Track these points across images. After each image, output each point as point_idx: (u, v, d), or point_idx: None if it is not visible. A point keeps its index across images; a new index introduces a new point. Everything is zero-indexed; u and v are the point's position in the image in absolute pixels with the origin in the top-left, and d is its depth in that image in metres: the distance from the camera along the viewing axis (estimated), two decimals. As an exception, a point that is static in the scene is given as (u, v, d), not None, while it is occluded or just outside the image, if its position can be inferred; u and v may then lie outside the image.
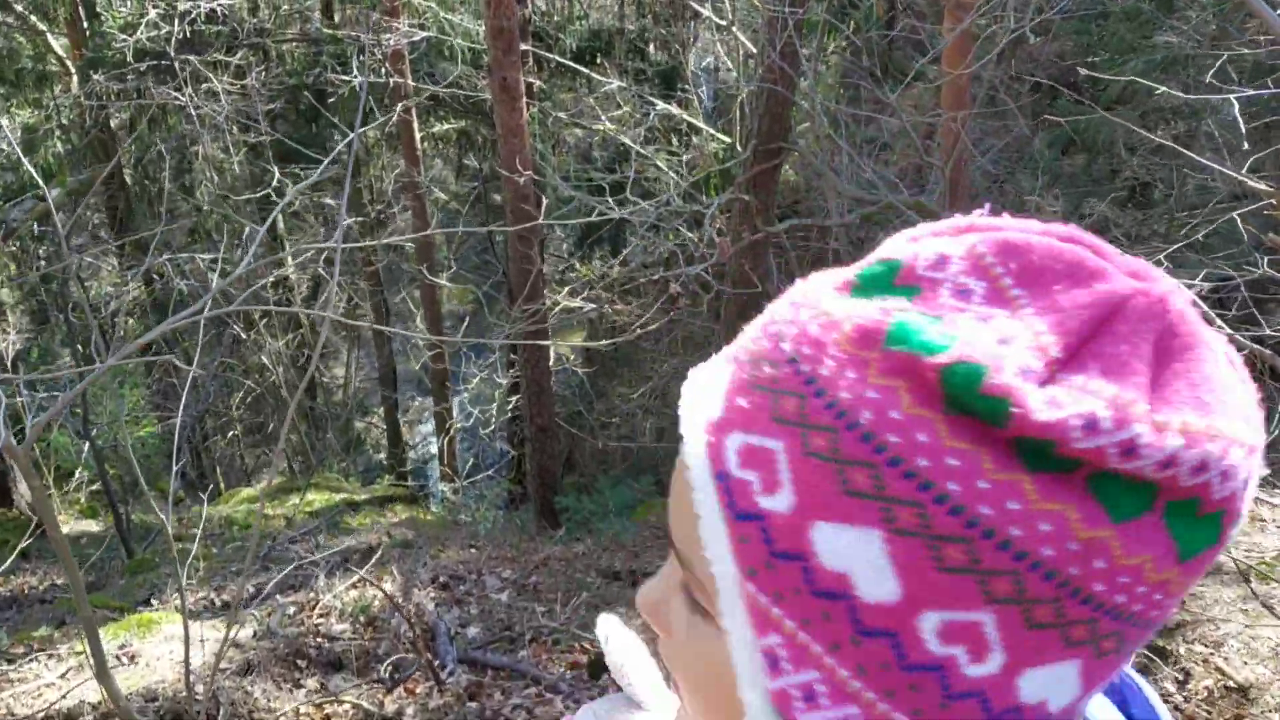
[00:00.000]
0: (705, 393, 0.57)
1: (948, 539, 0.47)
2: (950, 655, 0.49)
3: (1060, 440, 0.45)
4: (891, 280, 0.52)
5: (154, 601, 5.80)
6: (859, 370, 0.49)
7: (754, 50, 8.85)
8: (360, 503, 10.87)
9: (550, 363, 8.84)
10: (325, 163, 3.33)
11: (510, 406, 10.62)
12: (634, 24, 13.57)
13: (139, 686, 4.22)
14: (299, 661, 4.61)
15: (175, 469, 3.69)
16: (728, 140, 10.43)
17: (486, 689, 4.37)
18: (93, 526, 10.69)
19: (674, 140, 10.89)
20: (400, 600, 5.42)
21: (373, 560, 5.73)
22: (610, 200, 8.58)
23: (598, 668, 4.50)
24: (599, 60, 12.00)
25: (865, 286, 0.52)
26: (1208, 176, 10.50)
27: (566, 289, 8.33)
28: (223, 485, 12.31)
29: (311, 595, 5.58)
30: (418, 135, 12.27)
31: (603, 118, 11.03)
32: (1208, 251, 4.84)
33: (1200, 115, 10.29)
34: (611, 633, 0.93)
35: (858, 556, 0.49)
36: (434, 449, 13.94)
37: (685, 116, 10.73)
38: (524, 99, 7.80)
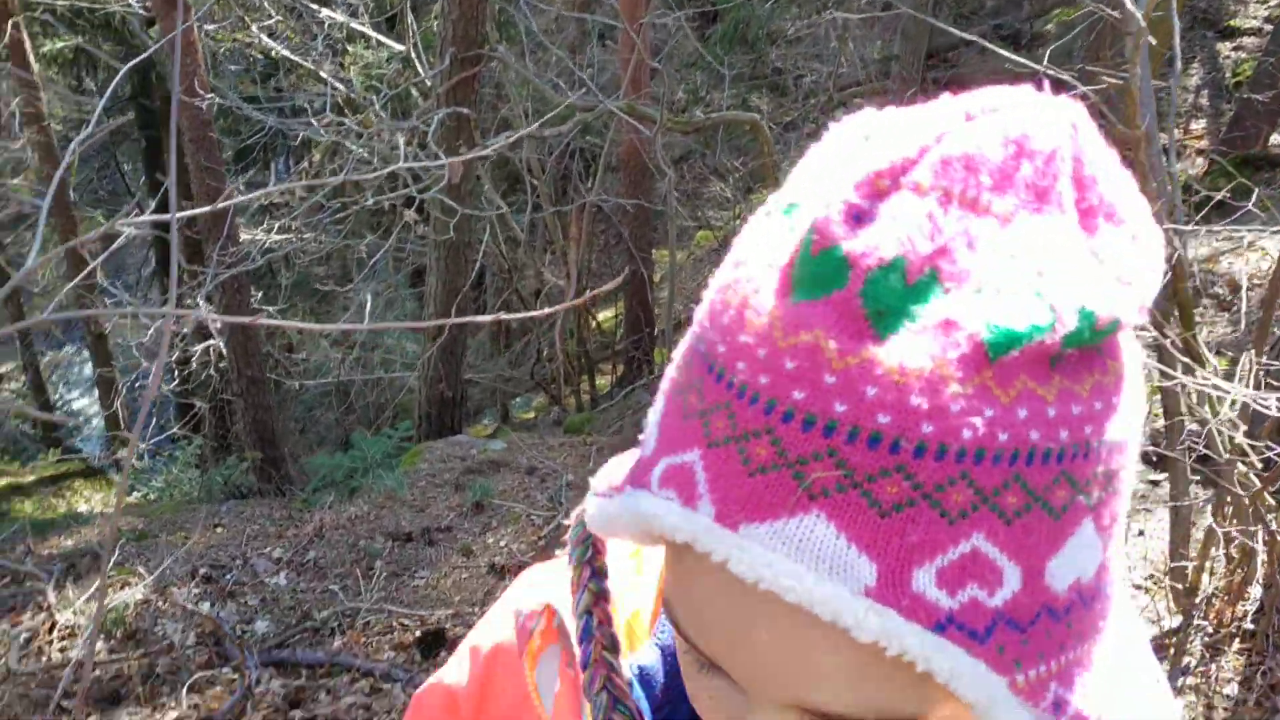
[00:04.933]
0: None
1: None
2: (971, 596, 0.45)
3: None
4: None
5: None
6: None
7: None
8: (28, 485, 9.50)
9: (251, 306, 8.00)
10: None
11: (195, 357, 9.57)
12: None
13: None
14: (64, 703, 3.89)
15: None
16: (400, 48, 9.77)
17: (309, 692, 3.87)
18: None
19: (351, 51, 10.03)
20: (161, 603, 4.73)
21: (110, 560, 4.95)
22: (305, 121, 7.79)
23: (428, 644, 4.12)
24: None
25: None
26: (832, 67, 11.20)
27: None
28: None
29: (43, 614, 4.75)
30: (32, 57, 10.54)
31: (254, 28, 9.96)
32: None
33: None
34: None
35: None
36: (97, 409, 12.43)
37: (353, 24, 9.91)
38: (191, 10, 6.78)
